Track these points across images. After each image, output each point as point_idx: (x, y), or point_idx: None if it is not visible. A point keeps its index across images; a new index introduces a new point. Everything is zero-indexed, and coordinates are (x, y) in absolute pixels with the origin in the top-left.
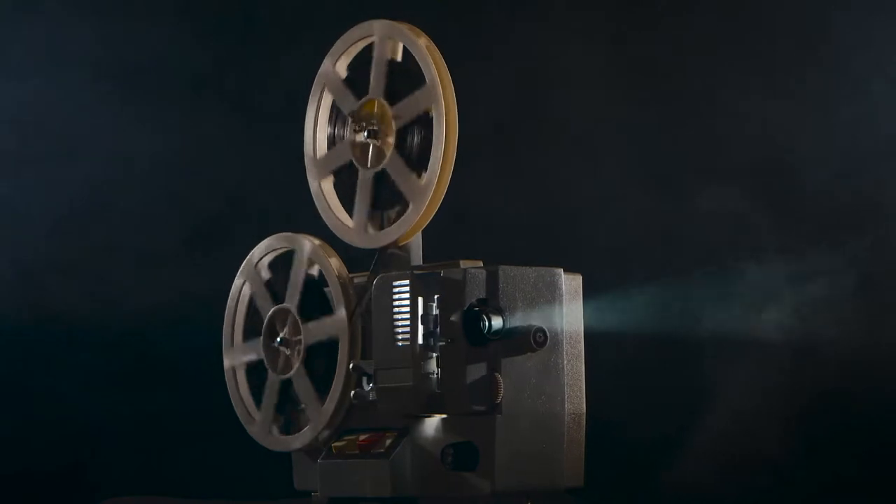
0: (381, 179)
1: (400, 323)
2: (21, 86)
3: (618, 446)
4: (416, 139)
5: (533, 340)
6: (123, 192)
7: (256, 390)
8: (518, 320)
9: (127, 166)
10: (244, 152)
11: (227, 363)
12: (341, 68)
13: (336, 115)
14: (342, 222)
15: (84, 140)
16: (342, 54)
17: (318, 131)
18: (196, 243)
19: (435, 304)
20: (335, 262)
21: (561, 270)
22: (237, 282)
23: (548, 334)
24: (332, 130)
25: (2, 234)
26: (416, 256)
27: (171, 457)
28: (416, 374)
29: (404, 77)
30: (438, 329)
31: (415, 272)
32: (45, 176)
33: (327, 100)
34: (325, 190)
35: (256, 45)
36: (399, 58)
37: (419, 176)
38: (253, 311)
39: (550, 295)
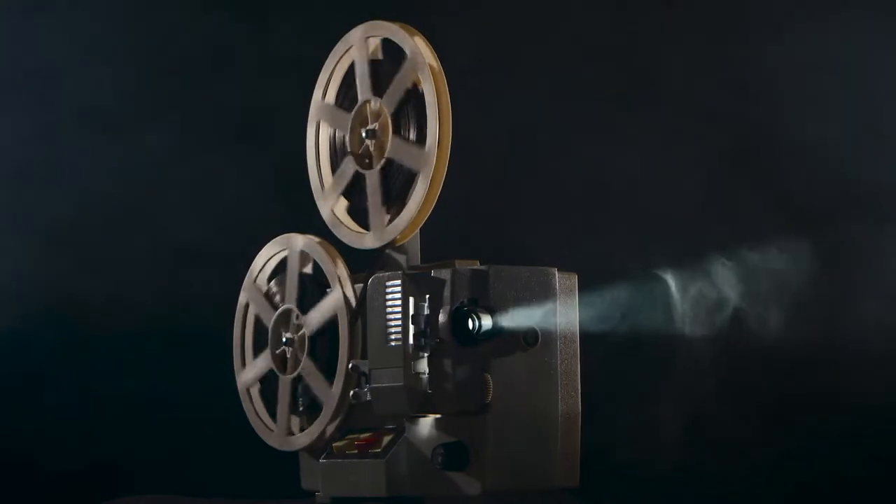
0: (388, 171)
1: (392, 323)
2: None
3: (616, 446)
4: (410, 115)
5: (524, 340)
6: (149, 187)
7: (270, 402)
8: (509, 320)
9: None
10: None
11: (240, 385)
12: (330, 96)
13: (349, 85)
14: (321, 180)
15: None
16: (329, 82)
17: (321, 163)
18: (221, 239)
19: (426, 304)
20: (327, 248)
21: (555, 270)
22: (241, 300)
23: (539, 334)
24: (342, 94)
25: (27, 230)
26: (415, 257)
27: (179, 456)
28: (407, 374)
29: (388, 68)
30: (429, 329)
31: (407, 272)
32: (70, 169)
33: (324, 131)
34: (338, 215)
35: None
36: (380, 55)
37: (387, 214)
38: (260, 327)
39: (544, 294)
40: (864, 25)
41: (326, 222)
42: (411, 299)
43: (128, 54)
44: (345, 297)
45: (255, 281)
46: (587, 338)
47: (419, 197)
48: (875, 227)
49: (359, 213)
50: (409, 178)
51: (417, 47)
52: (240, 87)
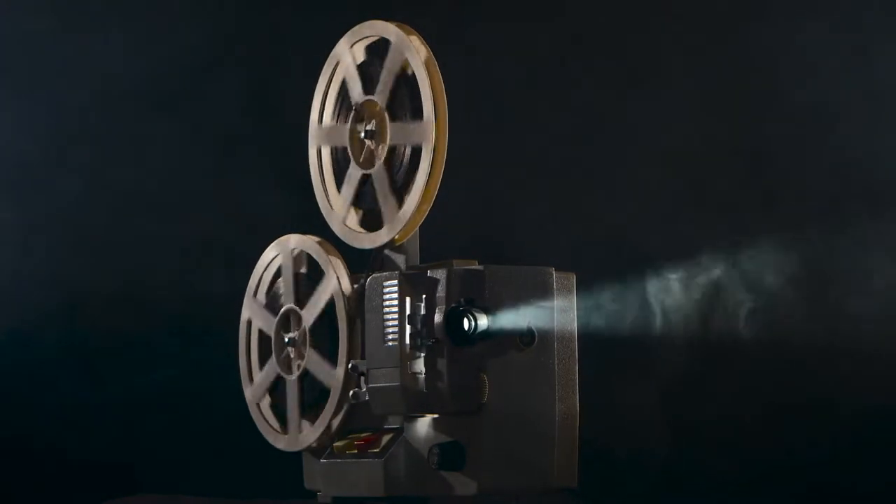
0: (367, 183)
1: (389, 323)
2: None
3: (615, 446)
4: (403, 166)
5: (520, 340)
6: (151, 186)
7: (263, 357)
8: (505, 320)
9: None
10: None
11: (245, 314)
12: (358, 52)
13: (343, 96)
14: (329, 199)
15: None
16: (324, 103)
17: (326, 102)
18: (224, 239)
19: (422, 304)
20: (322, 242)
21: (552, 269)
22: (244, 317)
23: (535, 334)
24: (338, 107)
25: (28, 229)
26: (414, 257)
27: (180, 456)
28: (403, 374)
29: (409, 95)
30: (425, 329)
31: (405, 272)
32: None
33: (339, 76)
34: (322, 157)
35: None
36: (409, 72)
37: (399, 202)
38: (265, 339)
39: (540, 294)
40: (865, 25)
41: (341, 237)
42: (408, 299)
43: (128, 53)
44: (338, 279)
45: (254, 296)
46: (586, 338)
47: (425, 170)
48: (875, 226)
49: (370, 219)
50: (413, 163)
51: (399, 32)
52: (241, 86)
